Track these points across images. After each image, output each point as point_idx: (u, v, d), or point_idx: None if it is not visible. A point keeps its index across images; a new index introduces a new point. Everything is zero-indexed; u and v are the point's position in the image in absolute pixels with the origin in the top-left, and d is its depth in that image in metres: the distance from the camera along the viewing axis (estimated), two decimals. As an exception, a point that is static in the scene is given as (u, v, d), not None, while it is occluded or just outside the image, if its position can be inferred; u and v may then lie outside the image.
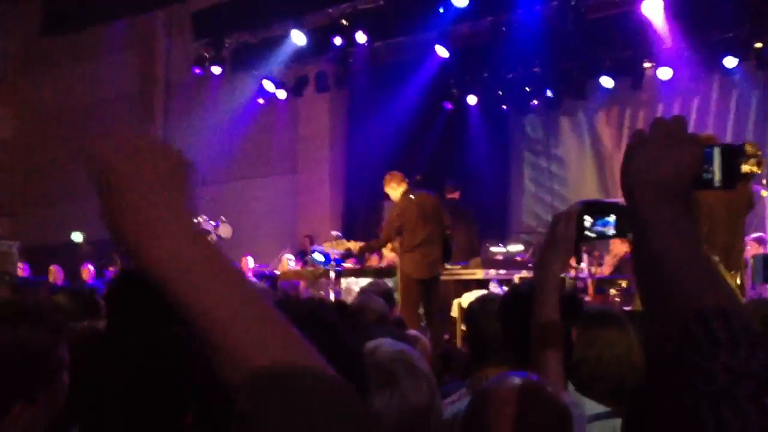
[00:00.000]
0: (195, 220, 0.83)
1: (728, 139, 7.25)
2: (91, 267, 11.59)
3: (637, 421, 1.44)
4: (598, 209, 2.01)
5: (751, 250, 7.00)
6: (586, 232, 2.00)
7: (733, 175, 1.12)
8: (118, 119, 14.59)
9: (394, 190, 8.07)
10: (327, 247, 9.15)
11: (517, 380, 1.58)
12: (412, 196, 7.91)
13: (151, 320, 2.15)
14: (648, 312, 1.02)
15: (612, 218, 1.99)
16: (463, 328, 6.59)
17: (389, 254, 9.27)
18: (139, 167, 0.84)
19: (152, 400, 2.12)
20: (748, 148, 5.85)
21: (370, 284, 5.23)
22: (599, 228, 2.00)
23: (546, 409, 1.53)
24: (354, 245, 8.68)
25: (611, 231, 2.01)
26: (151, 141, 0.89)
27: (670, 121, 1.11)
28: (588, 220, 2.00)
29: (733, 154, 1.14)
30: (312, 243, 10.84)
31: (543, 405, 1.54)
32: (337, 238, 9.09)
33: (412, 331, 4.14)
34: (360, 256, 9.66)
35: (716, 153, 1.13)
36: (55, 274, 11.36)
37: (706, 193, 4.32)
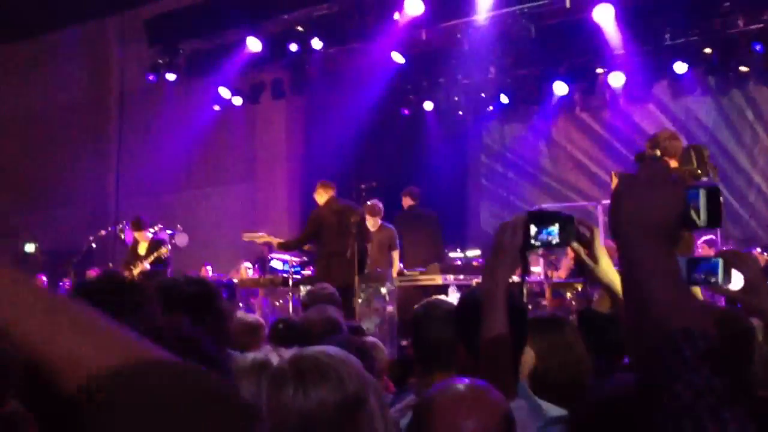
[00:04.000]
0: None
1: (683, 143, 7.42)
2: (44, 278, 11.39)
3: (582, 424, 1.46)
4: (543, 219, 2.04)
5: (702, 252, 7.14)
6: (532, 241, 2.03)
7: (717, 215, 1.17)
8: (72, 127, 14.37)
9: (321, 196, 8.38)
10: (247, 237, 9.27)
11: (460, 386, 1.59)
12: (334, 206, 8.13)
13: None
14: (630, 338, 1.09)
15: (555, 227, 2.02)
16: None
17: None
18: None
19: None
20: (704, 152, 5.98)
21: (308, 292, 5.15)
22: (544, 237, 2.03)
23: (488, 414, 1.53)
24: (274, 240, 8.85)
25: (555, 240, 2.04)
26: None
27: (656, 165, 1.18)
28: (533, 229, 2.02)
29: (717, 195, 1.18)
30: (270, 251, 10.79)
31: (485, 411, 1.54)
32: (281, 274, 9.26)
33: (370, 338, 4.14)
34: (276, 250, 9.67)
35: (702, 194, 1.17)
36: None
37: None
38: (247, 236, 9.29)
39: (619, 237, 1.12)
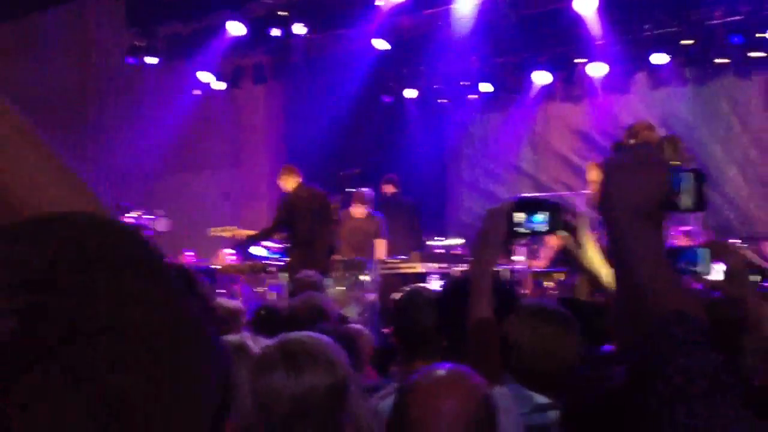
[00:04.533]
0: None
1: (659, 133, 7.48)
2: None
3: (574, 412, 1.49)
4: (531, 206, 2.06)
5: (681, 242, 7.23)
6: (519, 228, 2.05)
7: (702, 199, 1.19)
8: (51, 111, 14.20)
9: (287, 182, 8.27)
10: (214, 232, 9.18)
11: (440, 371, 1.61)
12: (303, 192, 8.05)
13: None
14: (620, 322, 1.13)
15: (544, 215, 2.05)
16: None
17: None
18: None
19: None
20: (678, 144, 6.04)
21: (294, 279, 5.14)
22: (531, 224, 2.06)
23: (467, 397, 1.56)
24: (242, 233, 8.77)
25: (542, 227, 2.07)
26: None
27: (641, 148, 1.20)
28: (520, 217, 2.05)
29: (703, 178, 1.20)
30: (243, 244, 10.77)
31: (464, 394, 1.56)
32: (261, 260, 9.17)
33: (355, 326, 4.16)
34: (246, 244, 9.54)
35: (688, 177, 1.19)
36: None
37: None
38: (213, 231, 9.19)
39: (607, 220, 1.14)
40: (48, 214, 0.68)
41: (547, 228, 2.07)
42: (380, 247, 8.99)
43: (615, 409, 1.14)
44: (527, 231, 2.06)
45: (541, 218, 2.04)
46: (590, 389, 1.31)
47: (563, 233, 2.10)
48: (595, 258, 2.09)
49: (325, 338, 1.86)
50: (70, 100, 14.41)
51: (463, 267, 8.20)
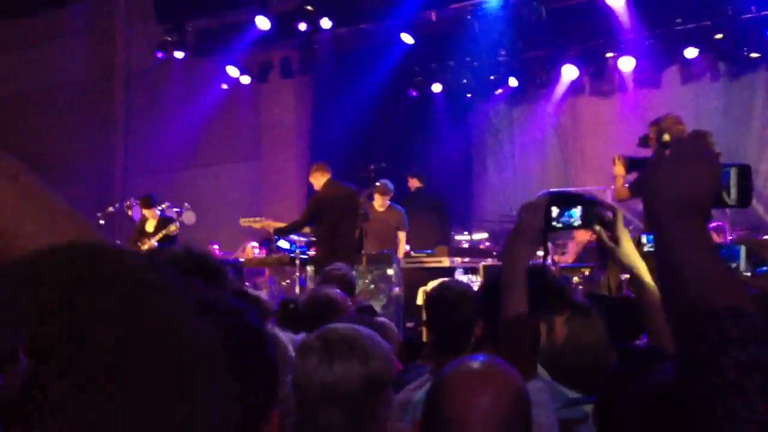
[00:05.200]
0: None
1: (687, 128, 7.40)
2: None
3: (609, 407, 1.47)
4: (565, 200, 2.04)
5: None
6: (553, 223, 2.03)
7: (747, 194, 1.16)
8: (79, 105, 14.34)
9: (318, 180, 8.35)
10: (245, 222, 9.23)
11: (474, 363, 1.59)
12: (333, 188, 8.17)
13: None
14: (669, 315, 1.11)
15: (578, 209, 2.02)
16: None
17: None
18: None
19: None
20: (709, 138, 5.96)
21: (322, 272, 5.13)
22: (565, 219, 2.03)
23: (501, 390, 1.54)
24: (272, 224, 8.81)
25: (577, 222, 2.04)
26: None
27: (690, 139, 1.17)
28: (554, 211, 2.02)
29: (747, 174, 1.17)
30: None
31: (498, 387, 1.54)
32: (287, 252, 9.21)
33: (381, 319, 4.15)
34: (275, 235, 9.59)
35: (733, 172, 1.16)
36: None
37: None
38: (244, 221, 9.27)
39: (652, 213, 1.11)
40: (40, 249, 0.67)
41: (582, 222, 2.05)
42: (402, 240, 8.99)
43: (664, 405, 1.12)
44: (562, 225, 2.04)
45: (576, 213, 2.02)
46: (630, 385, 1.29)
47: (598, 228, 2.06)
48: (631, 253, 2.05)
49: (367, 331, 1.87)
50: (97, 93, 14.54)
51: (489, 262, 8.17)
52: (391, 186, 8.99)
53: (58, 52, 14.57)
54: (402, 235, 9.01)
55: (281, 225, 8.75)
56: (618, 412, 1.28)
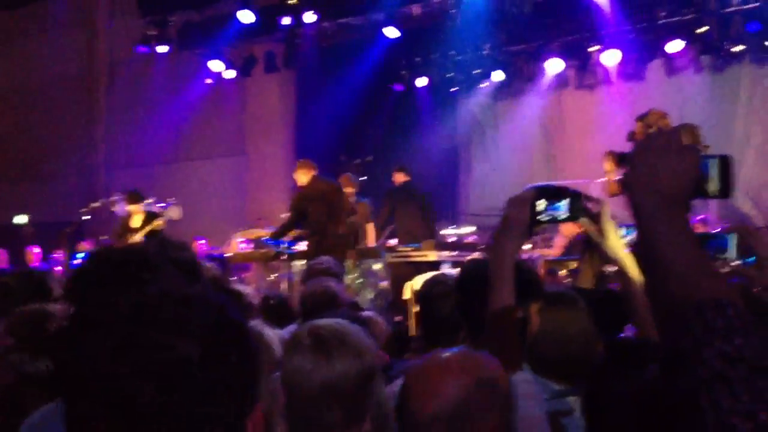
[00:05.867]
0: None
1: (672, 122, 7.43)
2: (36, 249, 11.32)
3: (600, 400, 1.47)
4: (551, 194, 2.04)
5: (698, 231, 7.17)
6: (540, 216, 2.02)
7: (728, 185, 1.17)
8: (62, 98, 14.22)
9: (302, 176, 8.34)
10: (241, 235, 9.28)
11: (446, 354, 1.56)
12: (319, 184, 8.20)
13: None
14: (654, 307, 1.11)
15: (565, 203, 2.02)
16: (416, 309, 6.64)
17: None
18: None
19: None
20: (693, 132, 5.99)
21: (306, 266, 5.11)
22: (551, 212, 2.03)
23: (467, 382, 1.50)
24: (266, 234, 8.84)
25: (563, 215, 2.04)
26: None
27: (669, 131, 1.17)
28: (541, 204, 2.02)
29: (729, 165, 1.17)
30: (266, 225, 10.79)
31: (464, 378, 1.51)
32: (251, 226, 9.22)
33: (367, 313, 4.15)
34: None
35: (714, 163, 1.17)
36: (-1, 256, 11.06)
37: None
38: (239, 235, 9.30)
39: (634, 205, 1.12)
40: None
41: (569, 215, 2.05)
42: (370, 232, 9.02)
43: (651, 401, 1.12)
44: (549, 218, 2.03)
45: (562, 206, 2.02)
46: (623, 379, 1.29)
47: (585, 221, 2.06)
48: (617, 246, 2.06)
49: (352, 325, 1.85)
50: (80, 87, 14.43)
51: (476, 256, 8.17)
52: (355, 178, 8.99)
53: (40, 46, 14.44)
54: (369, 227, 9.03)
55: (273, 231, 8.77)
56: (611, 405, 1.28)
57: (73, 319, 0.85)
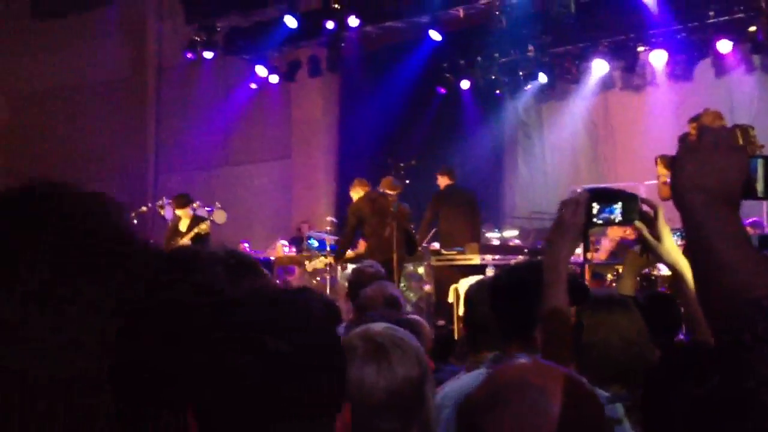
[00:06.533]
0: None
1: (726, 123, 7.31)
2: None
3: (654, 405, 1.42)
4: (606, 196, 2.02)
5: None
6: (594, 219, 2.01)
7: None
8: (111, 103, 14.51)
9: (357, 192, 8.66)
10: (310, 267, 9.44)
11: (539, 369, 1.40)
12: (371, 195, 8.53)
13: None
14: (705, 306, 1.10)
15: (619, 205, 2.00)
16: (461, 313, 6.62)
17: None
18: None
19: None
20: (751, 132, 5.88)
21: (354, 269, 5.13)
22: (606, 215, 2.02)
23: (579, 404, 1.34)
24: (334, 259, 9.01)
25: (618, 218, 2.02)
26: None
27: (717, 130, 1.16)
28: (595, 207, 2.01)
29: None
30: (310, 228, 10.88)
31: (579, 399, 1.34)
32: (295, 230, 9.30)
33: (414, 316, 4.15)
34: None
35: (760, 164, 1.15)
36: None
37: None
38: (310, 266, 9.51)
39: (683, 203, 1.11)
40: None
41: (623, 218, 2.03)
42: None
43: (716, 409, 1.08)
44: (603, 221, 2.02)
45: (617, 209, 2.00)
46: (684, 385, 1.26)
47: (639, 224, 2.04)
48: (673, 249, 2.02)
49: (400, 329, 1.84)
50: (129, 91, 14.70)
51: (520, 259, 8.12)
52: (398, 182, 8.99)
53: (90, 52, 14.75)
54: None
55: (339, 251, 8.92)
56: (672, 414, 1.24)
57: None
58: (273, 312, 1.06)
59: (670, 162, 6.23)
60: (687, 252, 1.18)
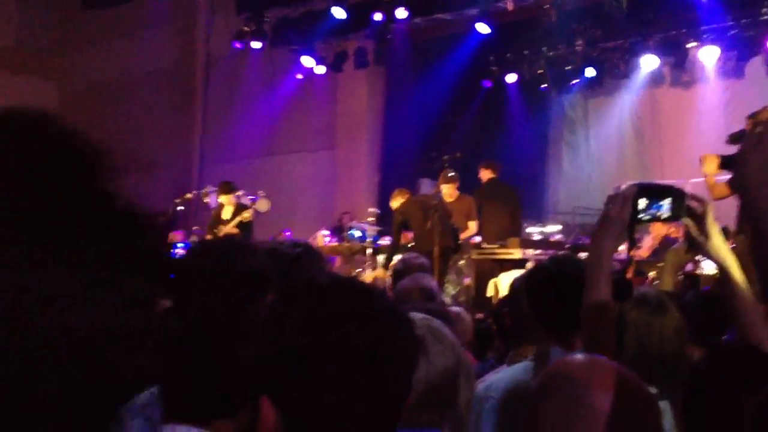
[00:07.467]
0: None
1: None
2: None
3: (697, 401, 1.43)
4: (653, 192, 2.00)
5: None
6: (641, 215, 1.99)
7: None
8: (159, 92, 14.72)
9: (395, 201, 8.66)
10: (369, 278, 9.44)
11: (602, 364, 1.40)
12: (412, 198, 8.63)
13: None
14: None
15: (667, 201, 1.98)
16: (502, 307, 6.60)
17: None
18: None
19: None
20: None
21: (401, 260, 5.16)
22: (653, 211, 2.00)
23: (639, 397, 1.35)
24: (387, 273, 8.97)
25: (665, 214, 2.00)
26: None
27: None
28: (642, 203, 1.99)
29: None
30: (351, 219, 10.92)
31: (634, 392, 1.35)
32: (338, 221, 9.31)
33: (455, 308, 4.16)
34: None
35: None
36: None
37: None
38: (368, 278, 9.59)
39: (748, 200, 1.10)
40: None
41: (671, 215, 2.01)
42: (471, 229, 8.89)
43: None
44: (650, 217, 2.00)
45: (665, 205, 1.98)
46: (719, 388, 1.25)
47: (687, 221, 2.02)
48: (722, 247, 2.00)
49: (435, 320, 1.85)
50: (178, 82, 14.89)
51: (559, 252, 8.06)
52: (457, 174, 8.93)
53: (140, 42, 14.97)
54: (472, 225, 8.88)
55: (392, 261, 8.88)
56: (721, 417, 1.23)
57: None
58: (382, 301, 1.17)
59: (723, 162, 6.10)
60: (743, 244, 1.17)
